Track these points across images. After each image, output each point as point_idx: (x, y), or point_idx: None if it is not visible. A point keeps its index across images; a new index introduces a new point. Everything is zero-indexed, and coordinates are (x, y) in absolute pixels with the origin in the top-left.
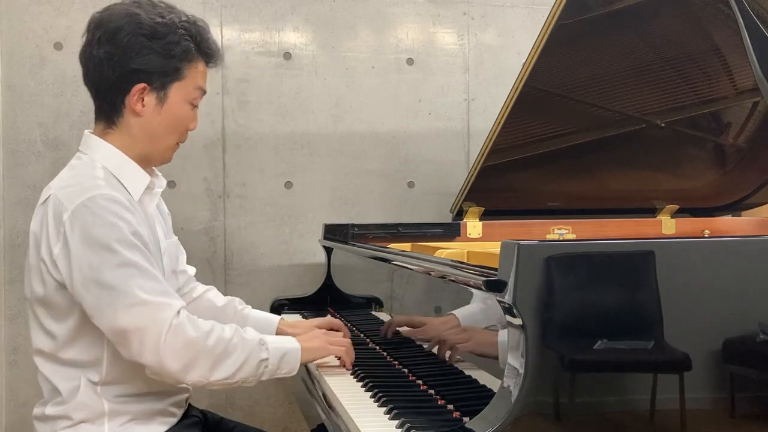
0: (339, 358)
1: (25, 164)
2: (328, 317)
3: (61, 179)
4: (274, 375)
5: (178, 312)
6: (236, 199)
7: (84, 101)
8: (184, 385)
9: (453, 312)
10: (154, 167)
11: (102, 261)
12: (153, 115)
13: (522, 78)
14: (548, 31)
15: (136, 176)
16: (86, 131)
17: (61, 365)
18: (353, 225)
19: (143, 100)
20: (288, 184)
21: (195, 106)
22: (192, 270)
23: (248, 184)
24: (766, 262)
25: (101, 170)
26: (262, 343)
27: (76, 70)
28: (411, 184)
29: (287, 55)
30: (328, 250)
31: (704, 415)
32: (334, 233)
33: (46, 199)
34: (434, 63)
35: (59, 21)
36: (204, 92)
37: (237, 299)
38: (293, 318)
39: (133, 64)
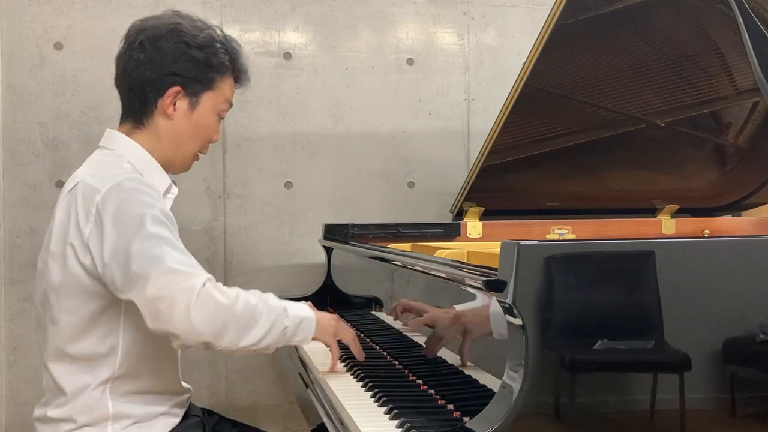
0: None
1: (25, 164)
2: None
3: (88, 169)
4: (289, 342)
5: (208, 279)
6: (236, 199)
7: (84, 101)
8: (186, 386)
9: (455, 306)
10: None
11: (135, 232)
12: (182, 119)
13: (522, 78)
14: (548, 31)
15: (158, 176)
16: (109, 129)
17: (70, 362)
18: (353, 225)
19: (175, 104)
20: (288, 184)
21: (221, 119)
22: None
23: (248, 184)
24: (766, 262)
25: (128, 164)
26: (285, 310)
27: (76, 70)
28: (411, 184)
29: (287, 55)
30: (328, 250)
31: (704, 415)
32: (334, 233)
33: (74, 186)
34: (434, 63)
35: (59, 21)
36: (231, 106)
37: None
38: None
39: (173, 68)
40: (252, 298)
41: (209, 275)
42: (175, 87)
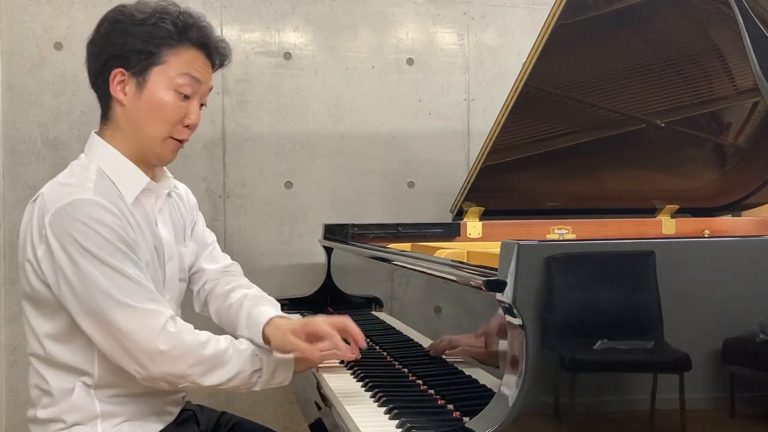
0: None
1: (25, 164)
2: (343, 321)
3: (55, 180)
4: (268, 385)
5: (171, 317)
6: (236, 199)
7: (84, 101)
8: None
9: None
10: (162, 168)
11: (85, 268)
12: (134, 102)
13: (522, 78)
14: (548, 31)
15: (131, 176)
16: (93, 131)
17: (52, 366)
18: (353, 225)
19: (125, 88)
20: (288, 184)
21: (185, 96)
22: (227, 259)
23: (248, 184)
24: (766, 262)
25: (94, 172)
26: (255, 354)
27: (76, 70)
28: (411, 184)
29: (287, 55)
30: (328, 250)
31: (704, 415)
32: (334, 233)
33: (36, 197)
34: (434, 63)
35: (59, 21)
36: (196, 81)
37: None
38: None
39: (111, 49)
40: (222, 342)
41: (171, 311)
42: (117, 69)
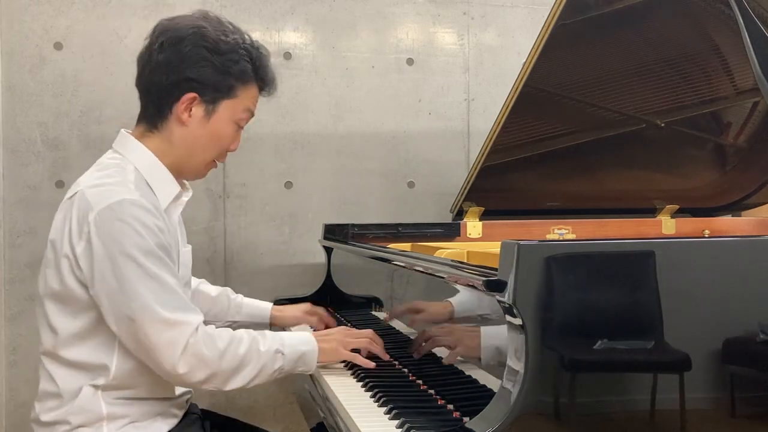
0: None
1: (25, 164)
2: (307, 305)
3: (91, 177)
4: (292, 373)
5: (196, 329)
6: (236, 199)
7: (84, 101)
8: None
9: (450, 299)
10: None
11: (125, 271)
12: (197, 127)
13: (522, 78)
14: (548, 31)
15: (166, 183)
16: (122, 130)
17: (65, 365)
18: (353, 225)
19: (191, 110)
20: (288, 184)
21: (240, 128)
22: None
23: (248, 184)
24: (766, 262)
25: (133, 173)
26: (278, 352)
27: (76, 70)
28: (411, 184)
29: (287, 55)
30: (328, 250)
31: (704, 415)
32: (334, 233)
33: (73, 195)
34: (434, 63)
35: (59, 21)
36: (252, 116)
37: (229, 289)
38: None
39: (190, 72)
40: (242, 347)
41: (200, 318)
42: (191, 93)
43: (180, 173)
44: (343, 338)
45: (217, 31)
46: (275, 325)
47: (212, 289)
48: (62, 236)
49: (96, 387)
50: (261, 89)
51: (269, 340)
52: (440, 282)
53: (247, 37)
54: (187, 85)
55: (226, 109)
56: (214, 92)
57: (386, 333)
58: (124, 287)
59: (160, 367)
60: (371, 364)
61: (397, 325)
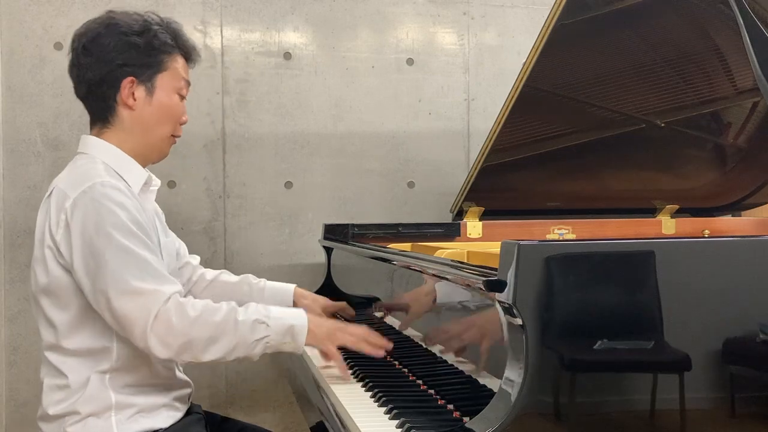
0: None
1: (25, 164)
2: (342, 303)
3: (63, 175)
4: (279, 349)
5: (168, 299)
6: (236, 199)
7: None
8: (187, 380)
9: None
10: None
11: (100, 247)
12: (144, 106)
13: (522, 78)
14: (548, 31)
15: (134, 171)
16: (83, 135)
17: (70, 356)
18: (353, 225)
19: (134, 94)
20: (288, 184)
21: (183, 97)
22: (196, 259)
23: (248, 184)
24: (766, 262)
25: (102, 164)
26: (260, 322)
27: None
28: (411, 184)
29: (287, 55)
30: (328, 250)
31: (704, 415)
32: (334, 233)
33: (51, 192)
34: (434, 63)
35: (59, 21)
36: (188, 83)
37: (251, 275)
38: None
39: (118, 60)
40: (218, 315)
41: (174, 288)
42: (127, 78)
43: (144, 157)
44: (335, 331)
45: (127, 18)
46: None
47: (233, 278)
48: (43, 230)
49: (103, 373)
50: (186, 58)
51: (251, 310)
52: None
53: (154, 15)
54: (121, 71)
55: (163, 82)
56: (146, 70)
57: (386, 333)
58: (98, 263)
59: (133, 338)
60: (345, 370)
61: (398, 325)
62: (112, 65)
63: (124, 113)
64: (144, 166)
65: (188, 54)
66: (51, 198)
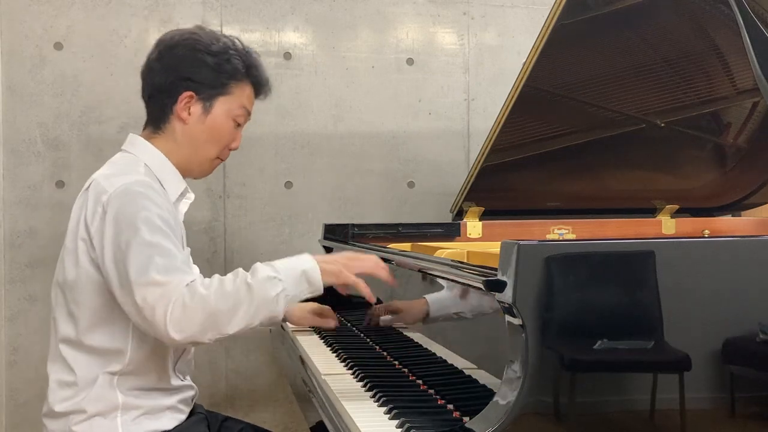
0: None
1: (25, 164)
2: (326, 307)
3: (104, 169)
4: (299, 297)
5: (184, 288)
6: (236, 199)
7: (84, 101)
8: (191, 383)
9: (425, 296)
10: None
11: (129, 238)
12: (197, 123)
13: (522, 78)
14: (548, 31)
15: (174, 180)
16: (131, 134)
17: (84, 352)
18: (353, 225)
19: (189, 108)
20: (288, 184)
21: (238, 125)
22: (196, 269)
23: (248, 184)
24: (766, 262)
25: (143, 166)
26: (272, 278)
27: (76, 70)
28: (411, 184)
29: (287, 55)
30: (328, 250)
31: (704, 415)
32: (334, 233)
33: (89, 185)
34: (434, 63)
35: (59, 21)
36: (249, 114)
37: (241, 269)
38: None
39: (185, 73)
40: (226, 285)
41: (188, 279)
42: (187, 92)
43: (187, 171)
44: (347, 261)
45: (209, 37)
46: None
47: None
48: (78, 221)
49: (112, 374)
50: (255, 89)
51: (258, 270)
52: (440, 282)
53: (237, 41)
54: (183, 84)
55: (221, 105)
56: (209, 89)
57: (386, 333)
58: (125, 255)
59: (156, 330)
60: (372, 298)
61: (398, 325)
62: (176, 76)
63: (176, 125)
64: (184, 177)
65: (258, 86)
66: (89, 191)
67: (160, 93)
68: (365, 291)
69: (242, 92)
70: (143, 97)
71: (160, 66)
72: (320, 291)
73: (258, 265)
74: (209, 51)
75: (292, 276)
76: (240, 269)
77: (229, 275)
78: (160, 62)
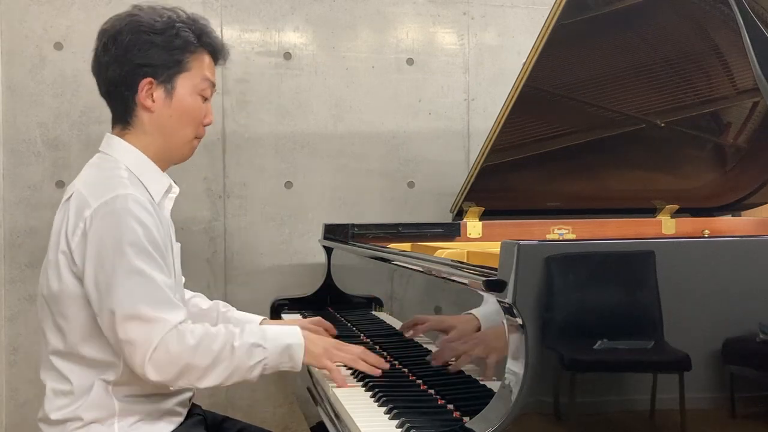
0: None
1: (25, 164)
2: (317, 318)
3: (85, 177)
4: (277, 369)
5: (174, 327)
6: (236, 199)
7: (84, 101)
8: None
9: (472, 312)
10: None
11: (114, 264)
12: (163, 108)
13: (522, 78)
14: (548, 31)
15: (156, 178)
16: (107, 133)
17: (77, 363)
18: (353, 225)
19: (152, 95)
20: (288, 184)
21: (206, 99)
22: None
23: (248, 184)
24: (766, 262)
25: (125, 170)
26: (257, 345)
27: (76, 70)
28: (411, 184)
29: (287, 55)
30: (328, 250)
31: (704, 415)
32: (334, 233)
33: (70, 195)
34: (434, 63)
35: (59, 21)
36: (213, 85)
37: (221, 302)
38: (293, 317)
39: (137, 60)
40: (216, 343)
41: (180, 316)
42: (145, 78)
43: (167, 160)
44: (332, 348)
45: (150, 15)
46: None
47: (205, 303)
48: (59, 234)
49: (107, 382)
50: (212, 56)
51: (247, 333)
52: (440, 282)
53: (182, 12)
54: (139, 72)
55: (184, 83)
56: (166, 70)
57: (386, 333)
58: (110, 280)
59: (132, 362)
60: (344, 384)
61: (398, 325)
62: (130, 65)
63: (143, 115)
64: (166, 167)
65: (214, 53)
66: (70, 202)
67: (118, 87)
68: (336, 377)
69: (201, 64)
70: (101, 94)
71: (108, 58)
72: (298, 369)
73: (248, 326)
74: (154, 30)
75: (277, 347)
76: (230, 325)
77: (221, 330)
78: (107, 54)
